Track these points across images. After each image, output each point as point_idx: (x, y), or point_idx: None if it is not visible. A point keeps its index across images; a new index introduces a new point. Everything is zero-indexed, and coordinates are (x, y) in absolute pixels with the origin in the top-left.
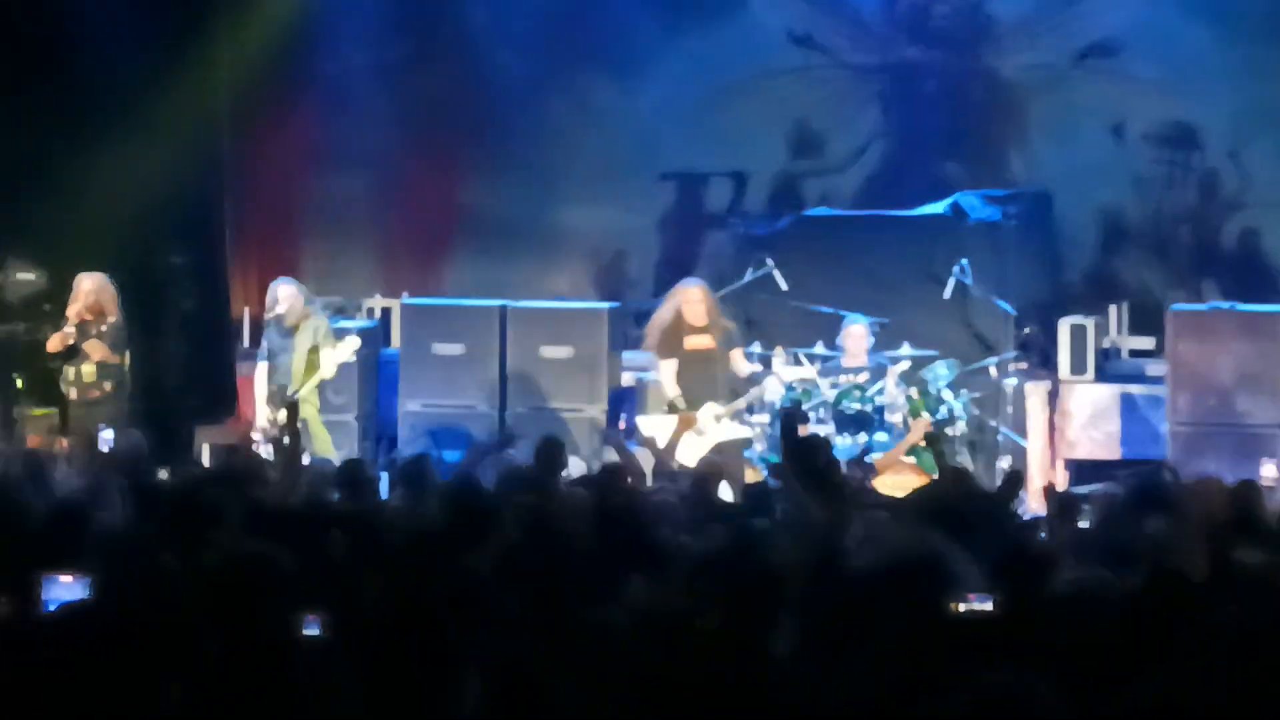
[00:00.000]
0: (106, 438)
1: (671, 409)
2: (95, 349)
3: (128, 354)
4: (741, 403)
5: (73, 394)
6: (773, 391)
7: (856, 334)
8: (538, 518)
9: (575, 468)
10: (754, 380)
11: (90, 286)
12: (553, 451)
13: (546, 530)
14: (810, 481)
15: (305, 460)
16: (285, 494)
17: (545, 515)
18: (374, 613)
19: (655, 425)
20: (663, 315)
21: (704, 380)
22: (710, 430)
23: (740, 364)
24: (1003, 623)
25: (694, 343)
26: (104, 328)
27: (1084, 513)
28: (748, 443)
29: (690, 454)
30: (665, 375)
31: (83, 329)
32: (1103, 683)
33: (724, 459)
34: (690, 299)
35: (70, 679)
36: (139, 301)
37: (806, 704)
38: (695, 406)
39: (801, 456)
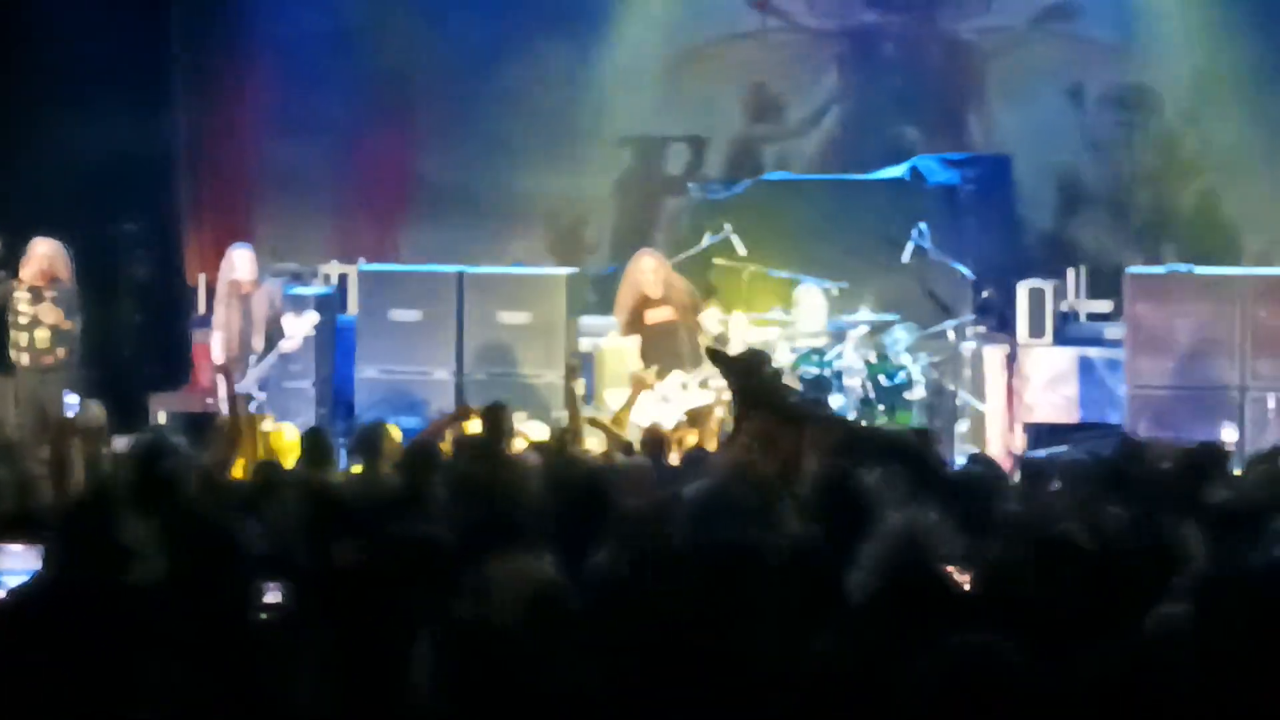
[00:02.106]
0: (71, 403)
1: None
2: (48, 313)
3: (79, 320)
4: (707, 368)
5: (24, 360)
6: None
7: (812, 302)
8: (485, 485)
9: (536, 431)
10: (722, 340)
11: (44, 250)
12: (499, 417)
13: (493, 498)
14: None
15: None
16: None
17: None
18: (333, 580)
19: (618, 398)
20: (621, 293)
21: (668, 352)
22: (677, 398)
23: (710, 324)
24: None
25: (654, 316)
26: (56, 293)
27: (1051, 479)
28: (716, 407)
29: (658, 420)
30: (630, 352)
31: (36, 293)
32: (1070, 643)
33: (697, 425)
34: (643, 270)
35: (31, 656)
36: (93, 268)
37: (777, 670)
38: (661, 377)
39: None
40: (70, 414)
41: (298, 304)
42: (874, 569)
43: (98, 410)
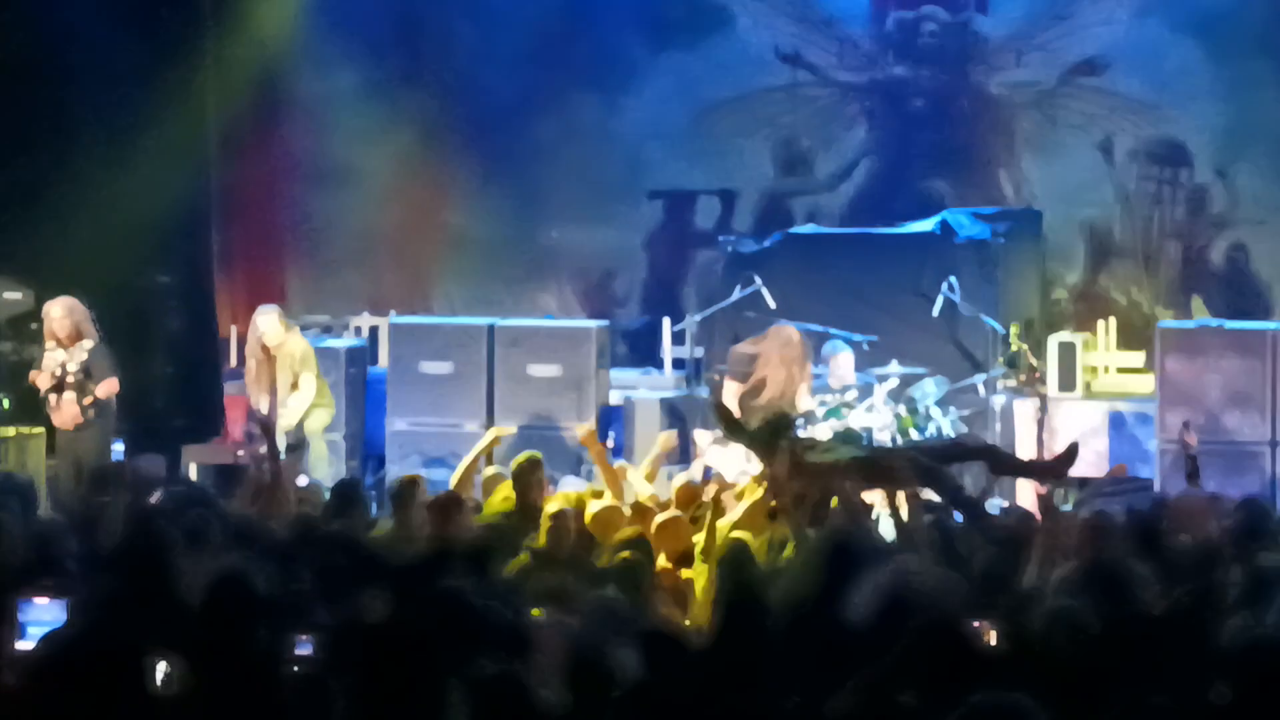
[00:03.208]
0: (117, 453)
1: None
2: (75, 372)
3: (109, 375)
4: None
5: (56, 421)
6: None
7: (841, 361)
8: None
9: (566, 484)
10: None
11: (59, 312)
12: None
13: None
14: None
15: (300, 481)
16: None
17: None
18: (363, 633)
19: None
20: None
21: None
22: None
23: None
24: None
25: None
26: (83, 357)
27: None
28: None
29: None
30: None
31: (64, 352)
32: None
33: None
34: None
35: (54, 707)
36: (125, 320)
37: None
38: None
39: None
40: (115, 465)
41: (325, 358)
42: (865, 612)
43: (151, 464)
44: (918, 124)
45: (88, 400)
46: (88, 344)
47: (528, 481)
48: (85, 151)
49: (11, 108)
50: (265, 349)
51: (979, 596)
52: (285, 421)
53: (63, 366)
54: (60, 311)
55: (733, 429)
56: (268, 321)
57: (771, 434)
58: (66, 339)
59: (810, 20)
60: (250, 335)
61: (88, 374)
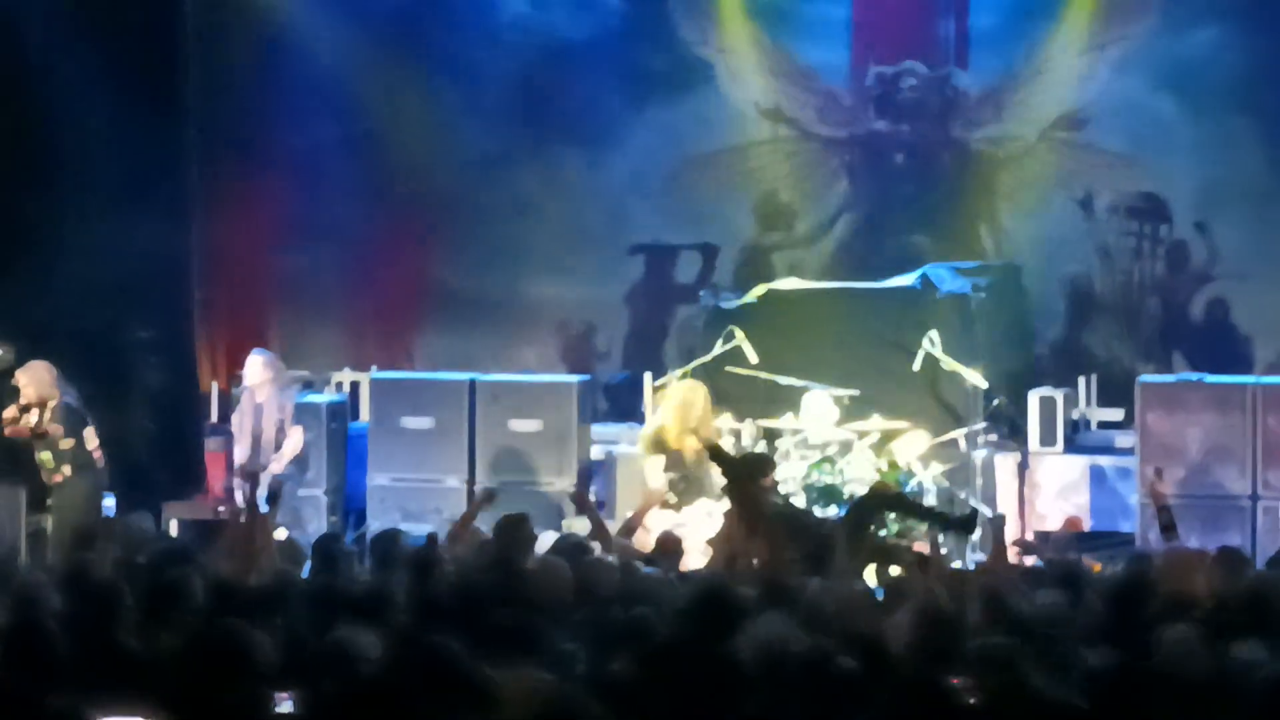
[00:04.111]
0: (108, 508)
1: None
2: (47, 433)
3: (86, 433)
4: None
5: (42, 477)
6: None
7: (822, 415)
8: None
9: (546, 541)
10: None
11: (25, 380)
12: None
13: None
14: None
15: (278, 535)
16: (251, 570)
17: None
18: (346, 689)
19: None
20: (666, 411)
21: (700, 478)
22: (702, 526)
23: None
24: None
25: (692, 442)
26: (51, 414)
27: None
28: None
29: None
30: (651, 471)
31: (36, 415)
32: None
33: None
34: (692, 397)
35: None
36: (105, 375)
37: None
38: (688, 503)
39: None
40: (103, 520)
41: (307, 413)
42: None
43: (141, 521)
44: (898, 178)
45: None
46: (51, 404)
47: (511, 539)
48: (65, 206)
49: None
50: (251, 393)
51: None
52: (275, 468)
53: (33, 426)
54: (25, 378)
55: (718, 455)
56: (253, 363)
57: (750, 470)
58: (36, 401)
59: (791, 74)
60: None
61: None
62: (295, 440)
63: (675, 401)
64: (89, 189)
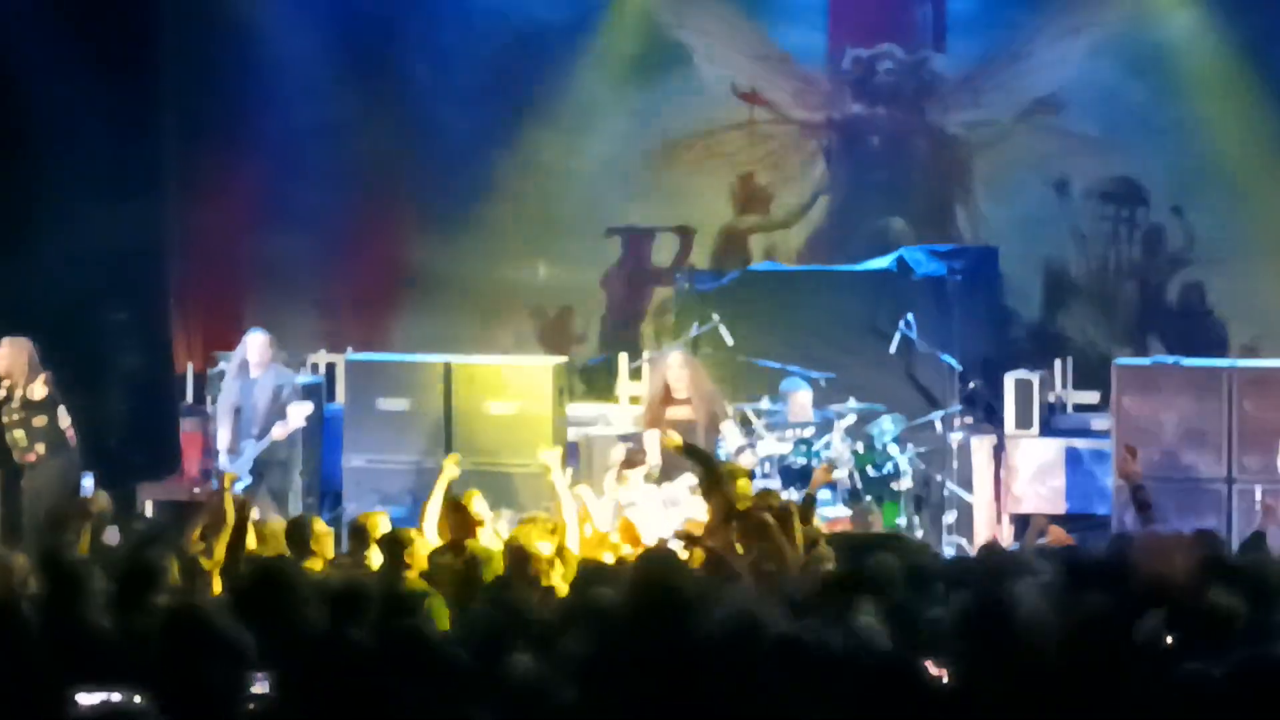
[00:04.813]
0: (87, 486)
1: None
2: (17, 413)
3: (59, 412)
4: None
5: (15, 458)
6: (749, 461)
7: (799, 398)
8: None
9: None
10: (742, 452)
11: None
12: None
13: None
14: None
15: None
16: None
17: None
18: (319, 671)
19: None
20: (650, 388)
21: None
22: (686, 502)
23: (730, 436)
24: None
25: (675, 414)
26: (20, 393)
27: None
28: None
29: (665, 525)
30: (649, 446)
31: (7, 394)
32: None
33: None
34: (670, 365)
35: None
36: (82, 357)
37: None
38: (672, 478)
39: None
40: (76, 500)
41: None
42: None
43: (101, 499)
44: (875, 161)
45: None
46: (25, 383)
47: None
48: (42, 189)
49: None
50: (245, 368)
51: None
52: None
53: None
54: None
55: (693, 452)
56: (254, 341)
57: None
58: (7, 379)
59: (767, 58)
60: (235, 354)
61: (32, 411)
62: (301, 412)
63: (667, 369)
64: (66, 173)
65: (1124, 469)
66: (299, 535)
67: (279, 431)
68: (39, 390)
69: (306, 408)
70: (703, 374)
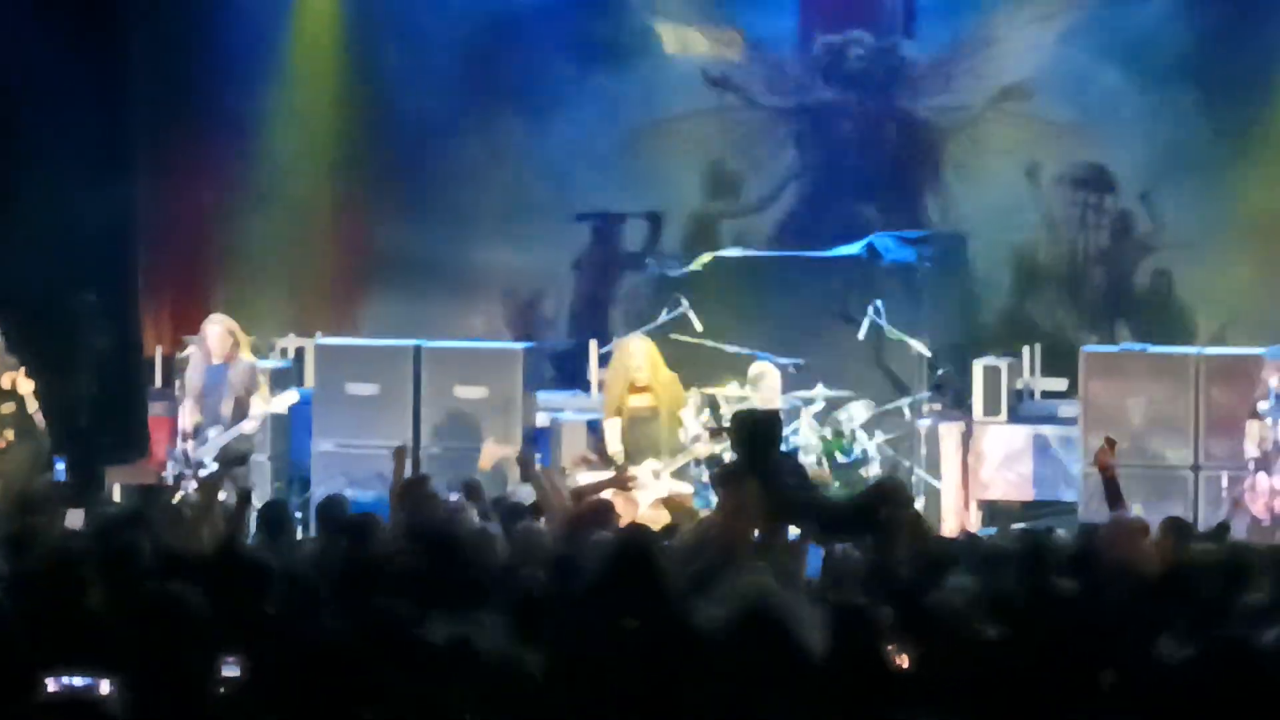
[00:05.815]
0: (59, 470)
1: (613, 465)
2: None
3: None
4: (682, 459)
5: None
6: (705, 449)
7: (768, 384)
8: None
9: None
10: (699, 439)
11: None
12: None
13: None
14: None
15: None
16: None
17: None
18: (291, 653)
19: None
20: (609, 375)
21: (645, 438)
22: (650, 486)
23: (690, 423)
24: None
25: (636, 401)
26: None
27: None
28: (692, 496)
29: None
30: (609, 433)
31: None
32: None
33: (672, 513)
34: (631, 353)
35: None
36: (51, 339)
37: None
38: (636, 464)
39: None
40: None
41: (274, 380)
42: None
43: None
44: (845, 147)
45: None
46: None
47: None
48: (10, 169)
49: None
50: (207, 355)
51: None
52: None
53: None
54: None
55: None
56: (213, 329)
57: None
58: None
59: (737, 43)
60: (197, 340)
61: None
62: (285, 400)
63: (628, 357)
64: (33, 154)
65: (1102, 460)
66: (271, 519)
67: (250, 426)
68: (23, 384)
69: (291, 396)
70: (660, 361)
